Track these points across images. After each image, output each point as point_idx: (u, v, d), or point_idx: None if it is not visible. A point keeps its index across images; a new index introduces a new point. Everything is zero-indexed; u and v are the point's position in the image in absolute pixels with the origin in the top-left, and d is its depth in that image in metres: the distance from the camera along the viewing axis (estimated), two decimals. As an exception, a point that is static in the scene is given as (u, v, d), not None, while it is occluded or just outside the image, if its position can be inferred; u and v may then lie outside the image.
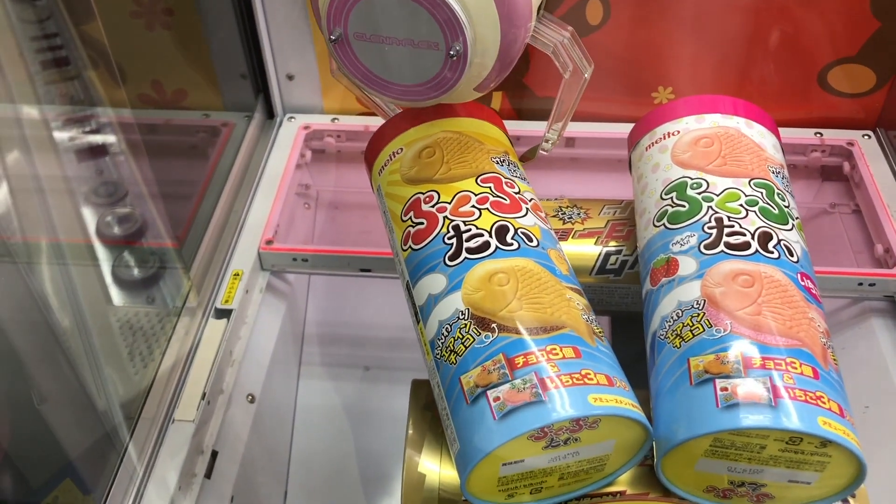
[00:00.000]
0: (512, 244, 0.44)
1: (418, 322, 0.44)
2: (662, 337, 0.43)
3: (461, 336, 0.41)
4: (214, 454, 0.57)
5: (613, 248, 0.52)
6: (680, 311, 0.42)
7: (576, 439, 0.39)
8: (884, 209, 0.68)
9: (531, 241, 0.44)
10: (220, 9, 0.75)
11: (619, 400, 0.38)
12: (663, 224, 0.47)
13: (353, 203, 0.81)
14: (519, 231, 0.44)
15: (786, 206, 0.47)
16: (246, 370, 0.63)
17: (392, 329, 0.78)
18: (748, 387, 0.38)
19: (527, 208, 0.47)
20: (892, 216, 0.68)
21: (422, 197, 0.47)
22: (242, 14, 0.75)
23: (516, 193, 0.47)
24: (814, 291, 0.43)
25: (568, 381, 0.38)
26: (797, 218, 0.47)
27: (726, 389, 0.38)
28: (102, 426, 0.53)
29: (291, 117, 0.80)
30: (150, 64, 0.78)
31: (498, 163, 0.49)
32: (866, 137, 0.76)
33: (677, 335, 0.42)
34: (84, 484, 0.52)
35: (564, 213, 0.54)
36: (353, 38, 0.44)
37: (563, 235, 0.53)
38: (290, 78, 0.79)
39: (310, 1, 0.47)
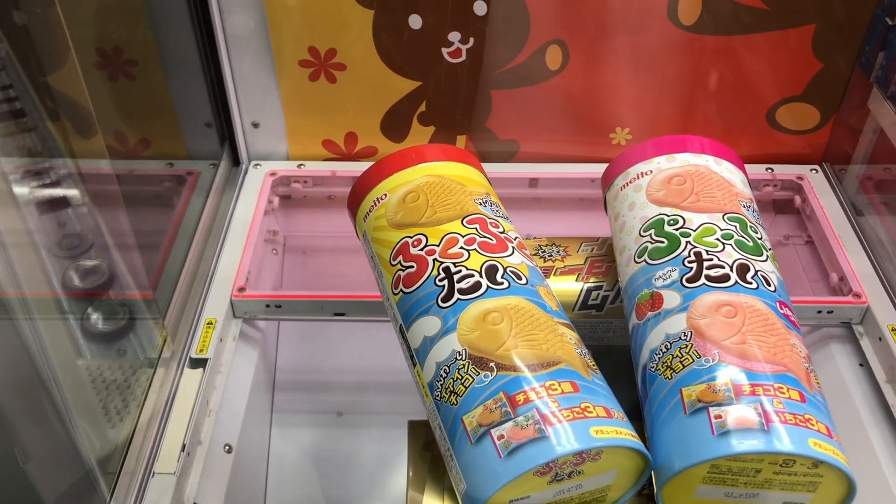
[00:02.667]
0: (502, 283, 0.44)
1: (414, 365, 0.45)
2: (653, 369, 0.44)
3: (460, 376, 0.41)
4: (195, 507, 0.56)
5: (594, 284, 0.54)
6: (668, 344, 0.44)
7: (579, 472, 0.39)
8: (836, 240, 0.71)
9: (520, 279, 0.45)
10: (185, 59, 0.75)
11: (620, 431, 0.39)
12: (644, 260, 0.48)
13: (321, 247, 0.82)
14: (508, 270, 0.45)
15: (759, 238, 0.49)
16: (222, 420, 0.63)
17: (364, 373, 0.78)
18: (741, 413, 0.39)
19: (513, 247, 0.48)
20: (844, 246, 0.71)
21: (409, 241, 0.48)
22: (207, 63, 0.75)
23: (501, 233, 0.48)
24: (792, 318, 0.45)
25: (569, 416, 0.38)
26: (770, 249, 0.50)
27: (720, 417, 0.39)
28: (81, 483, 0.52)
29: (257, 164, 0.81)
30: (112, 114, 0.77)
31: (481, 204, 0.50)
32: (814, 172, 0.80)
33: (668, 367, 0.43)
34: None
35: (544, 252, 0.56)
36: None
37: (545, 273, 0.54)
38: (256, 125, 0.79)
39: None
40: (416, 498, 0.45)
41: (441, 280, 0.45)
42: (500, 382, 0.40)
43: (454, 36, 0.72)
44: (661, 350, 0.44)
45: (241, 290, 0.67)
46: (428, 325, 0.44)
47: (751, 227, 0.49)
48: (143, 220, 0.77)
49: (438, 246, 0.46)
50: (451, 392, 0.41)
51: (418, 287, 0.46)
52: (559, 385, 0.40)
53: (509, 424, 0.38)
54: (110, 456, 0.55)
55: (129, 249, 0.66)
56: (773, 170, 0.80)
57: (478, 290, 0.44)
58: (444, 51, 0.73)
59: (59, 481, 0.51)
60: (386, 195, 0.51)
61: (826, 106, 0.77)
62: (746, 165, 0.78)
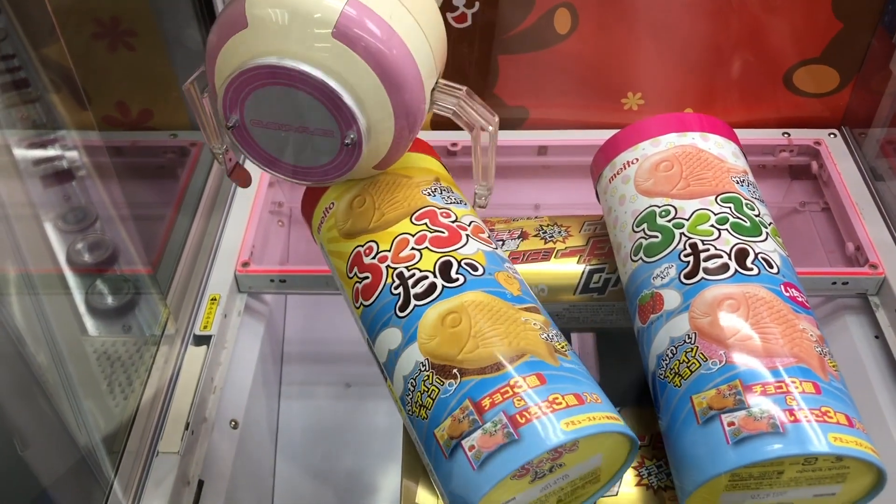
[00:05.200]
0: (457, 279, 0.43)
1: (386, 380, 0.43)
2: (662, 376, 0.42)
3: (426, 389, 0.40)
4: (201, 484, 0.56)
5: (596, 266, 0.52)
6: (674, 349, 0.42)
7: (560, 465, 0.38)
8: (853, 207, 0.69)
9: (476, 270, 0.44)
10: (185, 27, 0.74)
11: (593, 417, 0.38)
12: (640, 258, 0.46)
13: (327, 219, 0.81)
14: (463, 263, 0.44)
15: (756, 216, 0.47)
16: (228, 396, 0.63)
17: (372, 344, 0.78)
18: (754, 417, 0.38)
19: (467, 235, 0.46)
20: (861, 214, 0.69)
21: (361, 250, 0.46)
22: (206, 31, 0.74)
23: (453, 222, 0.46)
24: (800, 299, 0.43)
25: (537, 413, 0.37)
26: (770, 224, 0.48)
27: (733, 424, 0.38)
28: (86, 462, 0.52)
29: (261, 134, 0.79)
30: (114, 85, 0.76)
31: (430, 194, 0.48)
32: (832, 136, 0.77)
33: (676, 373, 0.41)
34: (69, 523, 0.51)
35: (545, 233, 0.54)
36: (251, 124, 0.43)
37: (546, 255, 0.53)
38: (259, 95, 0.78)
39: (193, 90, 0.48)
40: (410, 487, 0.45)
41: (396, 288, 0.43)
42: (464, 389, 0.39)
43: (459, 0, 0.70)
44: (667, 355, 0.42)
45: (245, 264, 0.67)
46: (390, 337, 0.43)
47: (747, 204, 0.47)
48: (146, 192, 0.77)
49: (390, 251, 0.45)
50: (420, 406, 0.40)
51: (376, 298, 0.44)
52: (525, 380, 0.38)
53: (478, 433, 0.37)
54: (115, 434, 0.55)
55: (132, 223, 0.66)
56: (789, 134, 0.77)
57: (433, 292, 0.42)
58: (449, 16, 0.71)
59: (62, 461, 0.51)
60: (333, 203, 0.49)
61: (846, 68, 0.75)
62: (763, 130, 0.77)
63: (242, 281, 0.67)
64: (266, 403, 0.71)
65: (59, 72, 0.61)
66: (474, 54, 0.74)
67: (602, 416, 0.38)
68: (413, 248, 0.44)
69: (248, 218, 0.71)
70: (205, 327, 0.62)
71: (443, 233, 0.45)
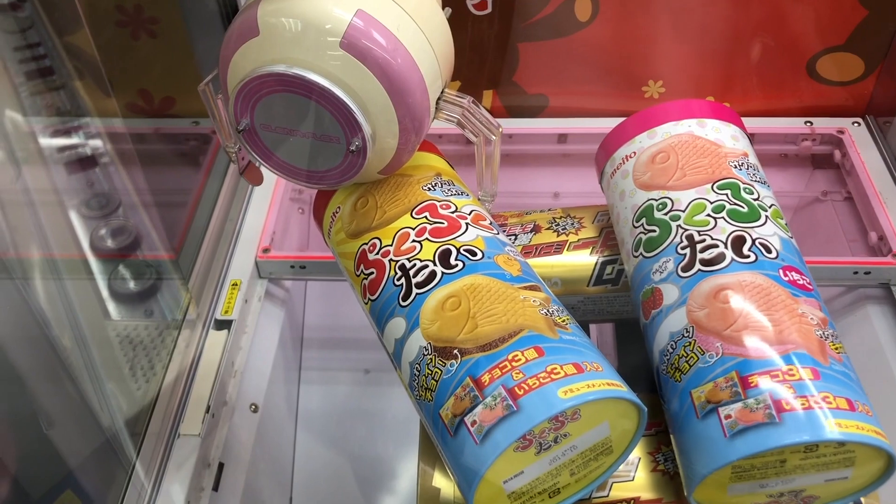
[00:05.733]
0: (456, 265, 0.44)
1: (396, 369, 0.44)
2: (664, 372, 0.42)
3: (430, 372, 0.41)
4: (221, 466, 0.57)
5: (609, 258, 0.52)
6: (673, 343, 0.42)
7: (565, 435, 0.38)
8: (876, 197, 0.69)
9: (475, 255, 0.44)
10: (206, 15, 0.74)
11: (591, 384, 0.38)
12: (641, 254, 0.46)
13: (347, 206, 0.81)
14: (461, 250, 0.44)
15: (755, 199, 0.46)
16: (248, 380, 0.63)
17: (391, 331, 0.78)
18: (749, 409, 0.37)
19: (466, 223, 0.47)
20: (885, 203, 0.68)
21: (366, 247, 0.47)
22: (228, 19, 0.74)
23: (453, 213, 0.47)
24: (801, 282, 0.42)
25: (535, 384, 0.37)
26: (771, 206, 0.46)
27: (730, 417, 0.38)
28: (109, 443, 0.53)
29: (282, 122, 0.80)
30: (136, 73, 0.77)
31: (430, 189, 0.49)
32: (856, 125, 0.76)
33: (676, 368, 0.41)
34: (92, 503, 0.51)
35: (558, 225, 0.54)
36: (260, 128, 0.45)
37: (559, 248, 0.53)
38: (280, 82, 0.78)
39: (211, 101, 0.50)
40: (427, 471, 0.45)
41: (399, 280, 0.44)
42: (465, 368, 0.39)
43: (479, -13, 0.70)
44: (667, 350, 0.42)
45: (266, 250, 0.67)
46: (395, 327, 0.43)
47: (745, 188, 0.46)
48: (169, 179, 0.77)
49: (392, 245, 0.46)
50: (425, 389, 0.41)
51: (381, 292, 0.45)
52: (522, 354, 0.39)
53: (479, 408, 0.38)
54: (137, 417, 0.56)
55: (154, 209, 0.66)
56: (812, 123, 0.76)
57: (433, 279, 0.43)
58: (469, 3, 0.71)
59: (87, 442, 0.52)
60: (339, 208, 0.51)
61: (871, 55, 0.74)
62: (785, 119, 0.77)
63: (263, 267, 0.68)
64: (286, 388, 0.72)
65: (83, 60, 0.62)
66: (494, 41, 0.74)
67: (602, 383, 0.38)
68: (414, 241, 0.46)
69: (268, 204, 0.71)
70: (226, 312, 0.63)
71: (442, 223, 0.46)
